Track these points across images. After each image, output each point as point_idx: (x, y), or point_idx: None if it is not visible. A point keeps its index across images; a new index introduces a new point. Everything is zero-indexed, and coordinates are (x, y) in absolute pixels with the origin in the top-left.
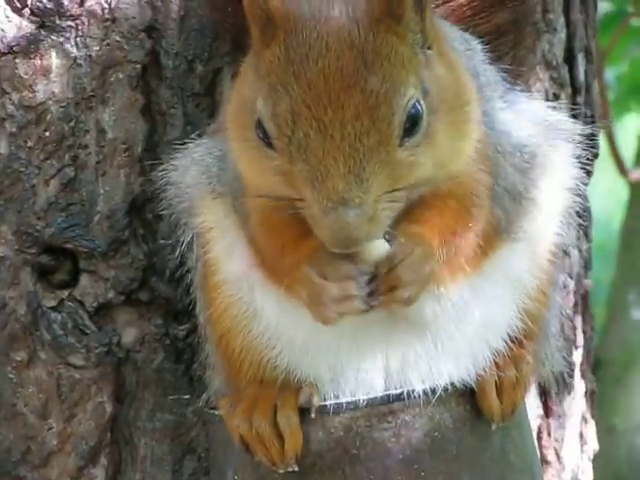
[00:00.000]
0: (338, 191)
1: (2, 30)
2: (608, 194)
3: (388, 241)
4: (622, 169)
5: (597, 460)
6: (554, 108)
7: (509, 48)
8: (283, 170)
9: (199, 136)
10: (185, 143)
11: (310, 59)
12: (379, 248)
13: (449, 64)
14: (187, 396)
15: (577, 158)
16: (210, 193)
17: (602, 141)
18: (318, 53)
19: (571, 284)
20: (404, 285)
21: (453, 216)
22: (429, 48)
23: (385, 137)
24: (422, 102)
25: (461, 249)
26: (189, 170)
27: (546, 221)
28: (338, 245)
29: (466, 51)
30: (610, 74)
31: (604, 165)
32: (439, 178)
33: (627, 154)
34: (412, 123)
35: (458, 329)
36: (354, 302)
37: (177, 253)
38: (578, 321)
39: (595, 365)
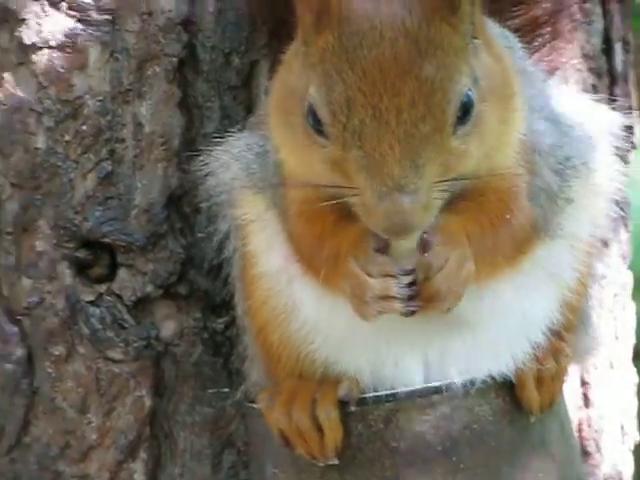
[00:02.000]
0: (394, 177)
1: (39, 24)
2: None
3: (425, 233)
4: None
5: (637, 451)
6: (592, 99)
7: (547, 40)
8: (334, 158)
9: (239, 130)
10: (224, 136)
11: (365, 46)
12: (412, 240)
13: (496, 55)
14: (226, 389)
15: (615, 149)
16: (251, 188)
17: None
18: (373, 40)
19: (610, 275)
20: (442, 298)
21: (492, 211)
22: (477, 38)
23: (440, 124)
24: (474, 90)
25: (498, 247)
26: (229, 166)
27: (584, 215)
28: (392, 231)
29: (507, 48)
30: None
31: None
32: (484, 169)
33: None
34: (464, 111)
35: (497, 323)
36: (394, 303)
37: (215, 245)
38: (618, 312)
39: (635, 356)
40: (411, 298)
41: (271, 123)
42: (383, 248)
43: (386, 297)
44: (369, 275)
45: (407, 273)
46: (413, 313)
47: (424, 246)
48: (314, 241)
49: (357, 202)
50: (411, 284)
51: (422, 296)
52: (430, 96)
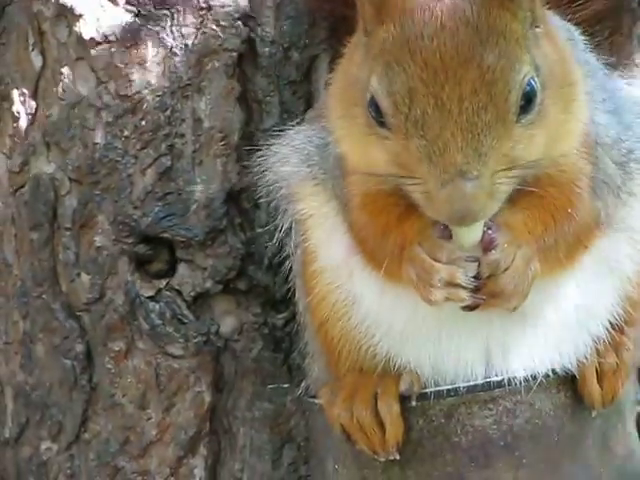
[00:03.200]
0: (456, 163)
1: (98, 20)
2: None
3: (488, 228)
4: None
5: None
6: None
7: (607, 35)
8: (395, 148)
9: (297, 123)
10: (283, 130)
11: (426, 36)
12: (476, 233)
13: (556, 43)
14: (286, 385)
15: None
16: (311, 180)
17: None
18: (434, 30)
19: None
20: (508, 297)
21: (555, 207)
22: (537, 27)
23: (502, 113)
24: (536, 79)
25: (561, 242)
26: (290, 158)
27: None
28: (454, 218)
29: (568, 40)
30: None
31: None
32: (548, 160)
33: None
34: (527, 100)
35: (558, 317)
36: (460, 292)
37: (275, 240)
38: None
39: None
40: (476, 291)
41: (332, 115)
42: (447, 239)
43: (452, 284)
44: (436, 260)
45: (474, 260)
46: (476, 307)
47: (488, 243)
48: (377, 232)
49: (418, 192)
50: (475, 277)
51: (486, 291)
52: (492, 84)
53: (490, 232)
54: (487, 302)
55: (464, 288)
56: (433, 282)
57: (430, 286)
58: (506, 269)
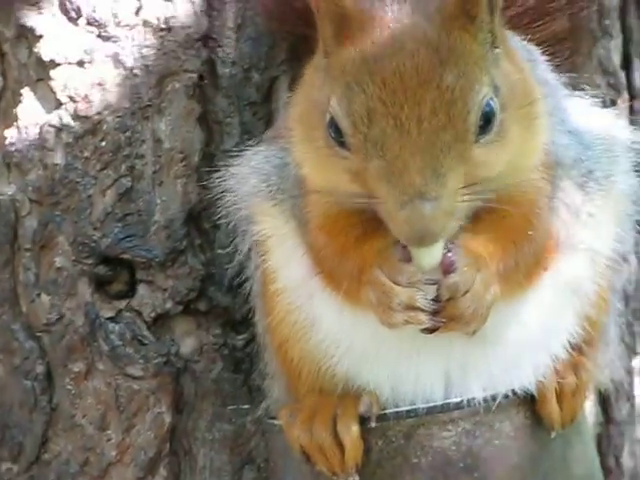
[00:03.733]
0: (415, 184)
1: (58, 40)
2: None
3: (448, 251)
4: None
5: None
6: (613, 115)
7: (567, 55)
8: (355, 169)
9: (256, 144)
10: (242, 150)
11: (385, 57)
12: (436, 255)
13: (515, 64)
14: (246, 406)
15: (636, 166)
16: (269, 201)
17: None
18: (393, 51)
19: (630, 290)
20: (467, 320)
21: (515, 229)
22: (497, 48)
23: (461, 133)
24: (495, 100)
25: (521, 264)
26: (248, 179)
27: (606, 230)
28: (414, 239)
29: (528, 60)
30: None
31: None
32: (508, 180)
33: None
34: (486, 120)
35: (518, 337)
36: (420, 315)
37: (235, 262)
38: (638, 327)
39: None
40: (435, 314)
41: (293, 137)
42: (407, 261)
43: (412, 307)
44: (395, 283)
45: (433, 283)
46: (435, 330)
47: (447, 265)
48: (336, 254)
49: (380, 210)
50: (435, 300)
51: (446, 314)
52: (451, 105)
53: (450, 254)
54: (446, 325)
55: (423, 311)
56: (392, 305)
57: (389, 309)
58: (466, 292)
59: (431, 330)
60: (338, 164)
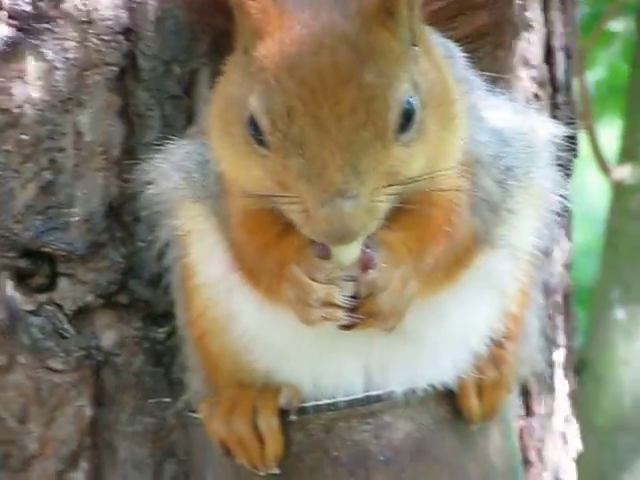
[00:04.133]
0: (335, 183)
1: None
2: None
3: (367, 247)
4: (605, 169)
5: (581, 460)
6: (534, 110)
7: (489, 50)
8: (274, 167)
9: (179, 139)
10: (164, 144)
11: (304, 54)
12: (354, 252)
13: (435, 61)
14: (167, 399)
15: (557, 160)
16: (191, 197)
17: (585, 141)
18: (312, 48)
19: (552, 284)
20: (385, 317)
21: (433, 226)
22: (416, 45)
23: (381, 131)
24: (415, 97)
25: (440, 261)
26: (170, 174)
27: (526, 226)
28: (334, 237)
29: (447, 57)
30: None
31: (593, 165)
32: (427, 177)
33: (609, 154)
34: (406, 118)
35: (438, 333)
36: (337, 312)
37: (156, 255)
38: (559, 321)
39: (579, 365)
40: (353, 310)
41: (212, 134)
42: (325, 258)
43: (329, 304)
44: (313, 280)
45: (352, 279)
46: (353, 327)
47: (366, 262)
48: (256, 250)
49: (296, 211)
50: (353, 297)
51: (364, 311)
52: (370, 103)
53: (368, 251)
54: (364, 322)
55: (341, 308)
56: (310, 302)
57: (307, 306)
58: (384, 289)
59: (349, 327)
60: (257, 162)
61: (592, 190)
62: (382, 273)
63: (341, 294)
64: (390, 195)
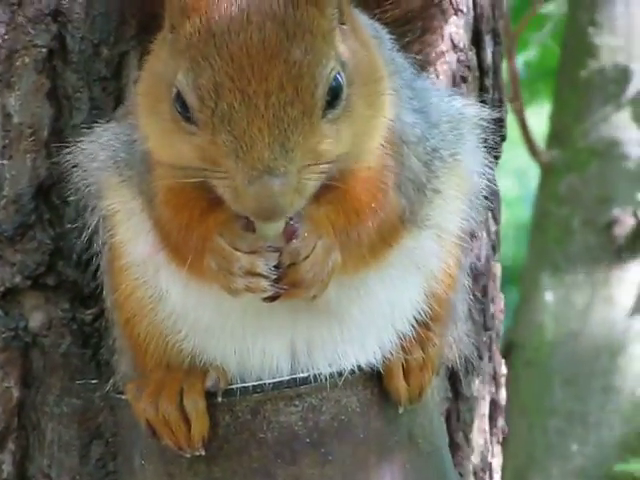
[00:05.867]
0: (263, 160)
1: None
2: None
3: (290, 219)
4: (534, 151)
5: (511, 443)
6: (461, 93)
7: (417, 34)
8: (202, 144)
9: (107, 121)
10: (92, 127)
11: (232, 31)
12: (279, 225)
13: (362, 40)
14: (94, 381)
15: (484, 142)
16: (117, 177)
17: (514, 123)
18: (240, 24)
19: (479, 267)
20: (308, 285)
21: (358, 202)
22: (344, 24)
23: (309, 108)
24: (342, 75)
25: (364, 237)
26: (96, 155)
27: (452, 207)
28: (262, 214)
29: (375, 38)
30: (518, 60)
31: (521, 147)
32: (353, 155)
33: (539, 136)
34: (333, 95)
35: (363, 313)
36: (261, 281)
37: (84, 237)
38: (487, 303)
39: (507, 347)
40: (277, 281)
41: (139, 112)
42: (251, 231)
43: (253, 273)
44: (236, 250)
45: (275, 250)
46: (276, 298)
47: (290, 233)
48: (181, 227)
49: (224, 186)
50: (277, 268)
51: (287, 281)
52: (298, 80)
53: (292, 223)
54: (288, 292)
55: (265, 277)
56: (233, 270)
57: (230, 274)
58: (306, 257)
59: (273, 298)
60: (184, 139)
61: (524, 172)
62: (304, 242)
63: (264, 264)
64: (317, 173)
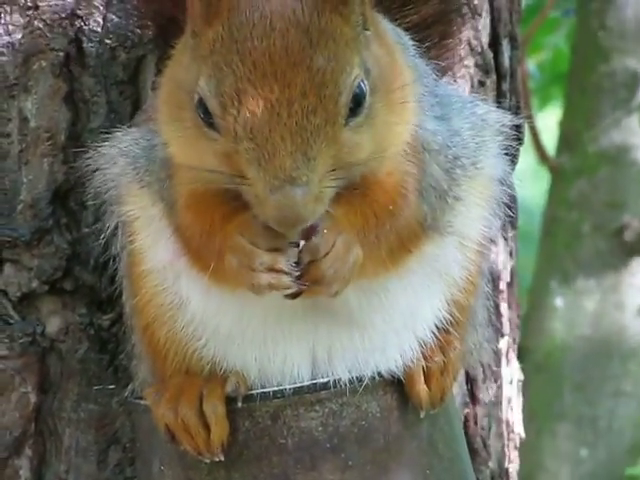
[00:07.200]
0: (285, 169)
1: None
2: (535, 180)
3: None
4: (543, 156)
5: (520, 448)
6: (483, 99)
7: (437, 39)
8: (225, 151)
9: (127, 126)
10: (112, 132)
11: (255, 37)
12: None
13: (386, 47)
14: (112, 386)
15: (504, 149)
16: (137, 182)
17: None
18: (263, 31)
19: (497, 272)
20: (329, 281)
21: (377, 204)
22: (367, 30)
23: (332, 116)
24: (365, 82)
25: (382, 241)
26: (117, 160)
27: (474, 214)
28: (284, 224)
29: (398, 43)
30: (529, 64)
31: (529, 151)
32: (375, 161)
33: (548, 142)
34: (356, 103)
35: (384, 320)
36: (283, 277)
37: (101, 241)
38: (504, 309)
39: (517, 352)
40: (298, 278)
41: (160, 118)
42: (269, 229)
43: (274, 269)
44: (256, 247)
45: (295, 246)
46: (298, 295)
47: (310, 230)
48: (203, 232)
49: (249, 193)
50: (297, 265)
51: (308, 277)
52: (321, 87)
53: (312, 221)
54: (309, 289)
55: (287, 274)
56: (255, 266)
57: (252, 271)
58: (326, 254)
59: (294, 295)
60: (207, 145)
61: (530, 177)
62: (324, 238)
63: (285, 260)
64: (337, 180)
